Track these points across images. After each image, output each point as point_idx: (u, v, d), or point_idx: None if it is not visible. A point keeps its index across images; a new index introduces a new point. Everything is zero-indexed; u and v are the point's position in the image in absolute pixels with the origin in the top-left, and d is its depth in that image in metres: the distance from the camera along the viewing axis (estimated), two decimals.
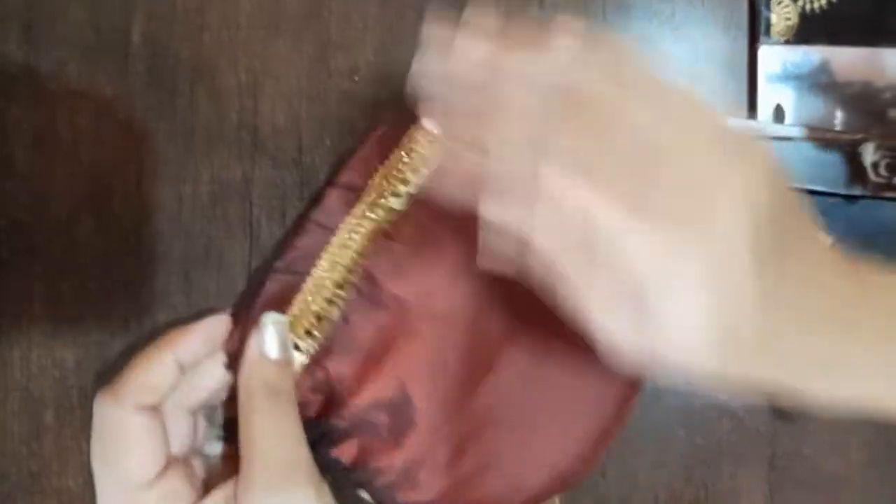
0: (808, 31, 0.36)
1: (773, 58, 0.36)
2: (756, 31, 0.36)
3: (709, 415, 0.36)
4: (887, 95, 0.36)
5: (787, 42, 0.36)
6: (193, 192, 0.35)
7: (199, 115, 0.35)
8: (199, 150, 0.35)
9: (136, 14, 0.35)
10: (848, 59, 0.36)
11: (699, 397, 0.36)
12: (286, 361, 0.28)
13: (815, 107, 0.36)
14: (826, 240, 0.28)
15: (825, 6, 0.36)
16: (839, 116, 0.36)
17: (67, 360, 0.35)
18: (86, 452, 0.35)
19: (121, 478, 0.27)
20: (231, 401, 0.29)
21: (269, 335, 0.27)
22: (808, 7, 0.36)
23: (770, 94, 0.36)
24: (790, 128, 0.34)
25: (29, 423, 0.35)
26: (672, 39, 0.36)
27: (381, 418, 0.29)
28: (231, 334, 0.29)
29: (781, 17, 0.36)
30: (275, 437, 0.26)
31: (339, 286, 0.29)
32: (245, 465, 0.26)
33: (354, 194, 0.30)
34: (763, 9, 0.36)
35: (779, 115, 0.36)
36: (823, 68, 0.36)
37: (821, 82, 0.36)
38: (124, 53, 0.35)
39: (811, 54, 0.36)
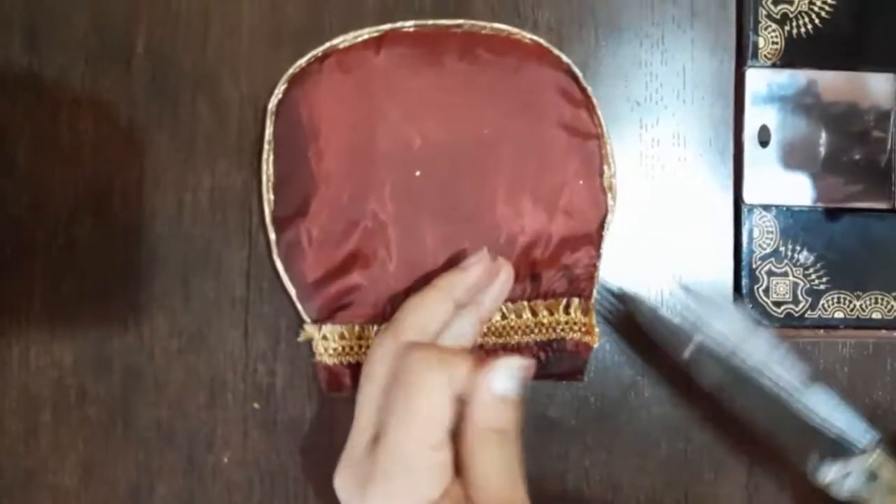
0: (794, 54, 0.37)
1: (760, 80, 0.37)
2: (743, 54, 0.37)
3: (690, 422, 0.37)
4: (871, 117, 0.37)
5: (774, 65, 0.37)
6: (194, 199, 0.36)
7: (201, 123, 0.36)
8: (200, 158, 0.36)
9: (140, 22, 0.36)
10: (833, 82, 0.37)
11: (682, 406, 0.37)
12: (517, 403, 0.28)
13: (800, 127, 0.37)
14: None
15: (811, 30, 0.37)
16: (823, 137, 0.37)
17: (65, 359, 0.36)
18: (82, 450, 0.36)
19: (416, 428, 0.28)
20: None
21: (507, 376, 0.28)
22: (794, 31, 0.37)
23: (756, 115, 0.37)
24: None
25: (26, 420, 0.36)
26: (661, 62, 0.37)
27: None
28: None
29: (768, 40, 0.37)
30: (502, 478, 0.28)
31: None
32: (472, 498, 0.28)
33: None
34: (750, 32, 0.37)
35: (764, 135, 0.37)
36: (809, 90, 0.37)
37: (806, 104, 0.37)
38: (127, 60, 0.36)
39: (797, 76, 0.37)
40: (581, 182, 0.36)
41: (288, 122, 0.35)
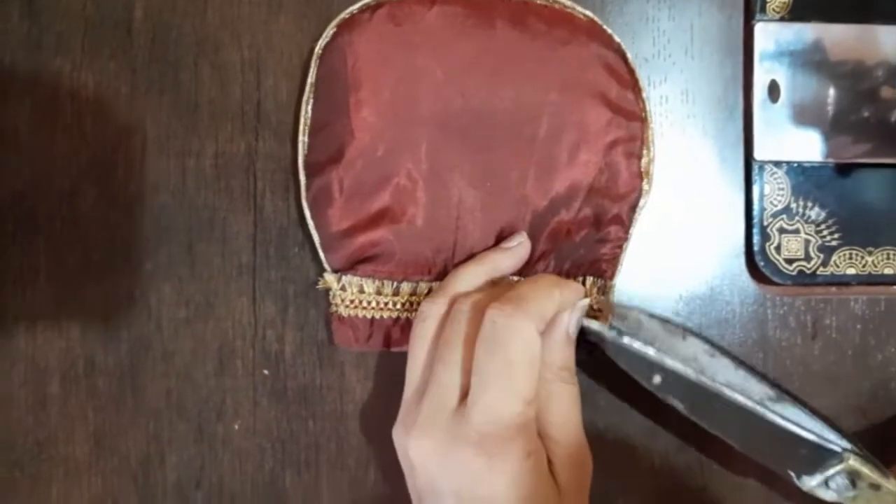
0: (803, 7, 0.37)
1: (768, 35, 0.36)
2: (752, 8, 0.37)
3: None
4: (879, 73, 0.37)
5: (783, 19, 0.37)
6: (197, 166, 0.36)
7: (203, 89, 0.36)
8: (203, 124, 0.36)
9: None
10: (841, 37, 0.37)
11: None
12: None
13: (809, 85, 0.37)
14: None
15: None
16: (832, 94, 0.37)
17: (72, 330, 0.35)
18: (92, 421, 0.35)
19: (514, 381, 0.29)
20: None
21: (578, 319, 0.31)
22: None
23: (765, 70, 0.37)
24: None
25: (35, 392, 0.35)
26: (668, 17, 0.37)
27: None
28: None
29: None
30: (574, 422, 0.31)
31: None
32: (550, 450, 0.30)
33: None
34: None
35: (773, 90, 0.37)
36: (816, 46, 0.37)
37: (814, 60, 0.37)
38: (127, 27, 0.36)
39: (805, 32, 0.37)
40: (618, 162, 0.35)
41: (332, 68, 0.35)
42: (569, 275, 0.35)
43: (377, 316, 0.34)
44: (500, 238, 0.35)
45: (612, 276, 0.35)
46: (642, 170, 0.35)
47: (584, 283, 0.35)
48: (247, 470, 0.36)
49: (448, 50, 0.34)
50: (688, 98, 0.37)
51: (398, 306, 0.34)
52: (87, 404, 0.35)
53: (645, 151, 0.35)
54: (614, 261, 0.35)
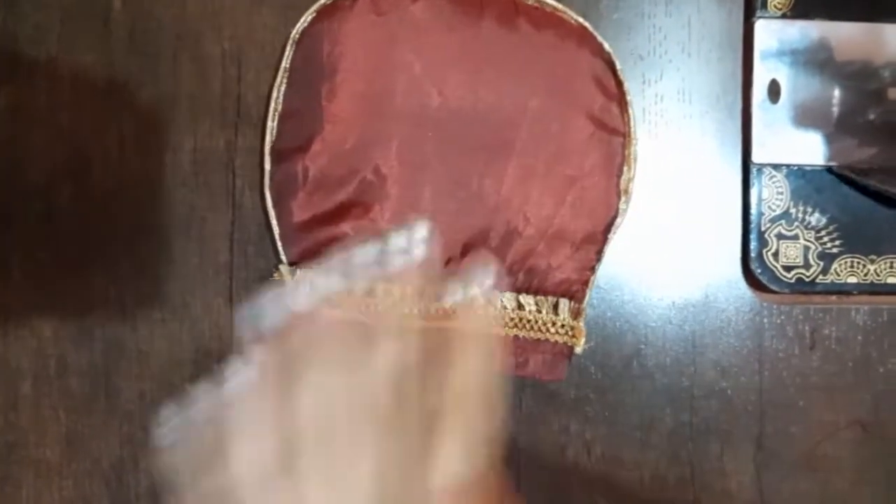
0: (805, 3, 0.35)
1: (770, 32, 0.35)
2: (752, 4, 0.35)
3: (696, 393, 0.35)
4: (886, 74, 0.36)
5: (785, 16, 0.35)
6: (175, 161, 0.35)
7: (182, 82, 0.35)
8: (182, 118, 0.35)
9: None
10: (847, 35, 0.35)
11: (686, 376, 0.35)
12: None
13: (812, 85, 0.35)
14: None
15: None
16: (836, 95, 0.36)
17: (45, 329, 0.34)
18: (64, 423, 0.34)
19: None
20: None
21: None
22: None
23: (766, 69, 0.35)
24: None
25: (6, 393, 0.34)
26: (665, 13, 0.35)
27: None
28: None
29: None
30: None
31: None
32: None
33: None
34: None
35: (774, 90, 0.35)
36: (822, 45, 0.35)
37: (818, 59, 0.35)
38: (105, 18, 0.35)
39: (809, 29, 0.35)
40: (596, 179, 0.34)
41: (307, 54, 0.33)
42: (538, 292, 0.34)
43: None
44: (468, 246, 0.34)
45: (582, 299, 0.34)
46: (621, 188, 0.34)
47: (557, 306, 0.33)
48: None
49: (430, 44, 0.33)
50: (684, 97, 0.35)
51: (352, 307, 0.33)
52: (60, 406, 0.35)
53: (626, 169, 0.34)
54: (585, 283, 0.34)
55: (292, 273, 0.33)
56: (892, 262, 0.35)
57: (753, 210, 0.35)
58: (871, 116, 0.36)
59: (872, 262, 0.35)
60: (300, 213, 0.33)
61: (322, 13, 0.34)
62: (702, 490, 0.35)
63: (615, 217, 0.34)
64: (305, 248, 0.33)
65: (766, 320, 0.35)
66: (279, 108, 0.34)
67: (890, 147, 0.36)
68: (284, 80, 0.34)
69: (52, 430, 0.35)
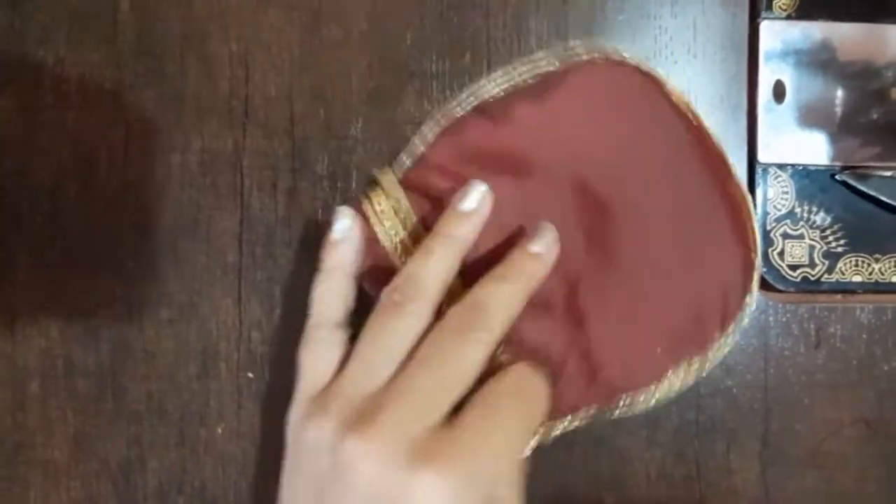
0: (810, 5, 0.35)
1: (774, 34, 0.35)
2: (757, 5, 0.35)
3: (702, 391, 0.35)
4: (889, 74, 0.36)
5: (789, 17, 0.35)
6: (183, 162, 0.35)
7: (190, 83, 0.35)
8: (189, 119, 0.35)
9: None
10: (849, 36, 0.36)
11: None
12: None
13: (816, 85, 0.36)
14: None
15: None
16: (840, 96, 0.36)
17: (52, 329, 0.34)
18: (72, 423, 0.34)
19: None
20: None
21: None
22: None
23: (771, 70, 0.35)
24: None
25: (13, 393, 0.34)
26: (671, 14, 0.35)
27: None
28: None
29: None
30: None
31: None
32: None
33: None
34: None
35: (779, 91, 0.35)
36: (824, 45, 0.36)
37: (821, 60, 0.36)
38: (112, 18, 0.35)
39: (813, 30, 0.35)
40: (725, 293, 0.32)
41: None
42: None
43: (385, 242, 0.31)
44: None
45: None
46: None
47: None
48: (230, 475, 0.35)
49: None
50: (690, 98, 0.35)
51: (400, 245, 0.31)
52: (67, 406, 0.34)
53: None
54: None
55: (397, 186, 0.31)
56: None
57: (759, 209, 0.35)
58: (875, 116, 0.36)
59: (877, 261, 0.36)
60: (439, 156, 0.31)
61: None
62: (707, 487, 0.35)
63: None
64: (427, 183, 0.31)
65: (771, 319, 0.36)
66: None
67: (893, 146, 0.36)
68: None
69: (60, 430, 0.34)
